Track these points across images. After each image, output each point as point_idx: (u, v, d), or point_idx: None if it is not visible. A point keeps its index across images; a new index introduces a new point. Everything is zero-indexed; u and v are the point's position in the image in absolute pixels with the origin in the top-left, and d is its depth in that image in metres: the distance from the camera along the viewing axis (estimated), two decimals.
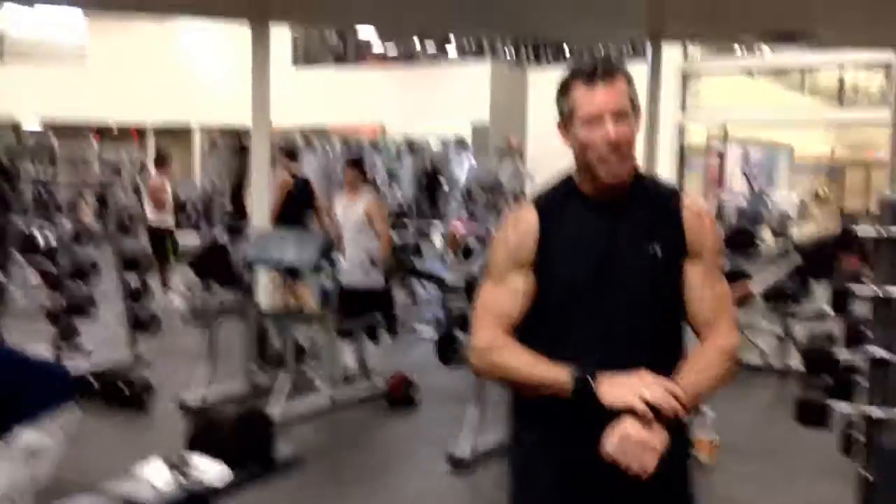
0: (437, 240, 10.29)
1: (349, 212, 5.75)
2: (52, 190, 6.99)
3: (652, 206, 1.72)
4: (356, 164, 6.06)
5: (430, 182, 12.67)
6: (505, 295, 1.71)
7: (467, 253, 8.80)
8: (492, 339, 1.70)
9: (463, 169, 12.95)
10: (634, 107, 1.67)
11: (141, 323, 5.90)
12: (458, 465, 4.14)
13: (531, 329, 1.71)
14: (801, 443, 4.03)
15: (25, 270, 5.99)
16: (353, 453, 4.52)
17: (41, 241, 5.73)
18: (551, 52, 19.00)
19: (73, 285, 5.64)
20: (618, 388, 1.57)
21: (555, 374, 1.61)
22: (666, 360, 1.68)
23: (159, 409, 4.99)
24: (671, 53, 11.10)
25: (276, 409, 4.69)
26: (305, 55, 20.06)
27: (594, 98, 1.62)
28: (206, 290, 7.28)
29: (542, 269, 1.69)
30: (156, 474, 2.79)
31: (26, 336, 5.70)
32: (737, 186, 13.27)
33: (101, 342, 6.00)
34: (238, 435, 2.97)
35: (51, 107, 16.74)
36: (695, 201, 1.77)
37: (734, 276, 5.91)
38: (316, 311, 4.99)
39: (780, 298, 6.00)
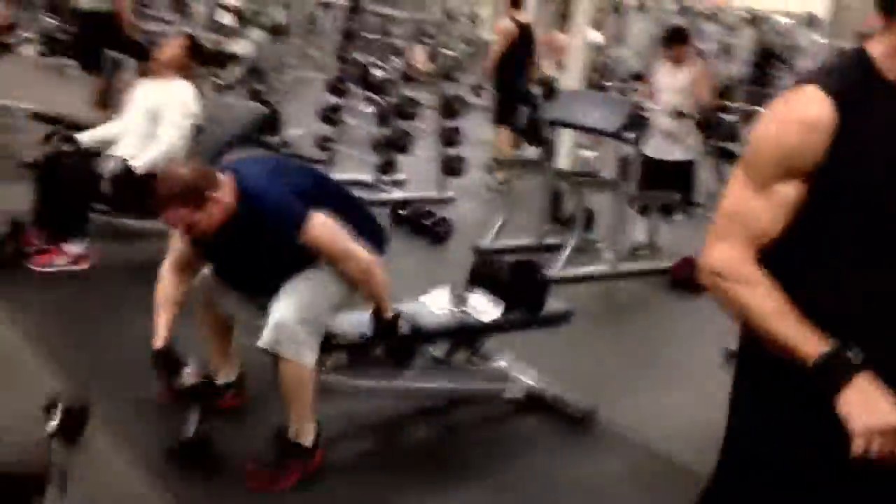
0: None
1: (670, 79, 5.52)
2: (389, 31, 7.52)
3: None
4: (681, 38, 5.65)
5: (766, 61, 11.50)
6: (767, 207, 1.34)
7: None
8: (734, 264, 1.36)
9: (809, 51, 11.52)
10: None
11: (450, 166, 6.31)
12: (732, 358, 3.98)
13: (800, 257, 1.36)
14: None
15: (360, 103, 6.61)
16: (624, 324, 4.56)
17: (377, 77, 6.27)
18: None
19: (398, 122, 6.16)
20: (860, 408, 1.26)
21: (802, 340, 1.31)
22: None
23: (454, 246, 5.38)
24: None
25: (557, 266, 4.83)
26: None
27: None
28: (514, 146, 7.55)
29: (832, 179, 1.30)
30: (438, 301, 3.08)
31: (354, 164, 6.41)
32: None
33: (415, 178, 6.56)
34: (514, 281, 3.14)
35: None
36: None
37: None
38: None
39: None
